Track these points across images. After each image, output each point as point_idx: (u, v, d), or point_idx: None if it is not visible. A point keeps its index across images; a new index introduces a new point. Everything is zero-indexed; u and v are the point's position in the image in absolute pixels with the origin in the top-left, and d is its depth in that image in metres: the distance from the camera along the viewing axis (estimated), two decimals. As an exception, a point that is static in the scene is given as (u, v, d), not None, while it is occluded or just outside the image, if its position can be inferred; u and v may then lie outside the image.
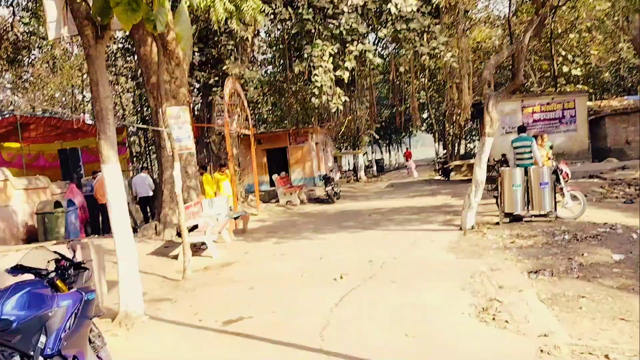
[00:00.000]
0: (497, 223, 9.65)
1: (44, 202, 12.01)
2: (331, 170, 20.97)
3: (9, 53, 20.11)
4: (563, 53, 25.46)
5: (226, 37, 15.71)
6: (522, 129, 11.21)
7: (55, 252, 4.03)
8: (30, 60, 21.16)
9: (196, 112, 21.08)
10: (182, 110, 12.59)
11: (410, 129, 53.61)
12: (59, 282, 3.89)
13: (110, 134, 5.64)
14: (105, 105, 5.61)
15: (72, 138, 19.79)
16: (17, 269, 3.86)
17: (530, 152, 10.81)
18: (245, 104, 15.63)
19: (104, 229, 13.02)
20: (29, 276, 3.95)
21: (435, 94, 35.12)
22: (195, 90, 16.61)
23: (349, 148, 48.02)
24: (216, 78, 15.60)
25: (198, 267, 8.76)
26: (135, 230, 12.49)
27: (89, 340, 4.11)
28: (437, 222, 10.83)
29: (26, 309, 3.44)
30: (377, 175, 37.65)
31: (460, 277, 6.31)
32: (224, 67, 15.18)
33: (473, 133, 40.81)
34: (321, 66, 14.59)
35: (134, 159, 26.77)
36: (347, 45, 15.15)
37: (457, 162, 28.00)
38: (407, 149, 51.31)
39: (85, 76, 28.37)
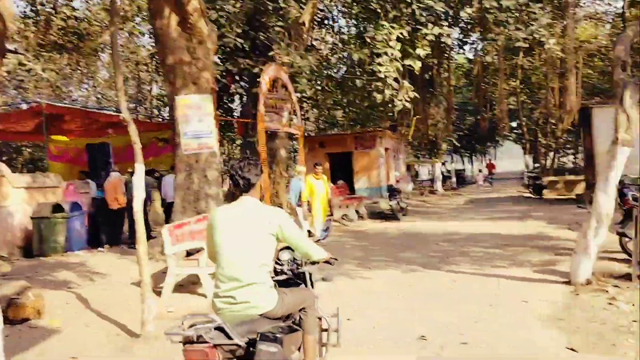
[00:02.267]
0: (628, 277, 6.35)
1: (42, 205, 10.14)
2: (398, 181, 18.00)
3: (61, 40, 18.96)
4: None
5: (277, 18, 13.31)
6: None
7: None
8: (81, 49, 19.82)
9: (231, 106, 18.94)
10: (204, 99, 10.24)
11: (497, 138, 49.08)
12: None
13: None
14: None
15: (121, 133, 18.36)
16: None
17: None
18: (294, 97, 13.10)
19: (110, 239, 10.94)
20: None
21: (527, 100, 30.86)
22: (236, 80, 14.33)
23: (426, 156, 44.56)
24: (262, 67, 13.21)
25: (181, 311, 6.27)
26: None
27: None
28: (530, 265, 7.63)
29: None
30: (457, 188, 33.91)
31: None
32: (271, 53, 12.75)
33: (567, 145, 35.52)
34: (386, 53, 11.74)
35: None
36: (420, 28, 12.21)
37: (552, 178, 23.91)
38: (489, 160, 47.04)
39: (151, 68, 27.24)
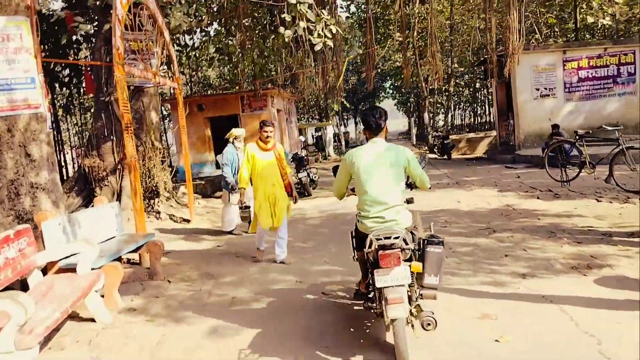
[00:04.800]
0: None
1: None
2: (304, 147, 14.95)
3: None
4: (590, -2, 19.99)
5: None
6: None
7: None
8: None
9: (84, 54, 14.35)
10: (14, 24, 6.14)
11: (380, 98, 48.19)
12: None
13: None
14: None
15: None
16: None
17: None
18: (167, 36, 9.27)
19: None
20: None
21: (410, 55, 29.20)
22: (78, 13, 9.97)
23: (310, 120, 42.03)
24: (117, -9, 9.05)
25: None
26: None
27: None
28: (566, 266, 5.04)
29: None
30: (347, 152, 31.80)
31: None
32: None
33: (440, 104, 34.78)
34: (297, -30, 8.41)
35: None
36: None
37: (455, 137, 22.57)
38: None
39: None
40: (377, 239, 3.30)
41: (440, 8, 25.03)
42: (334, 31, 8.86)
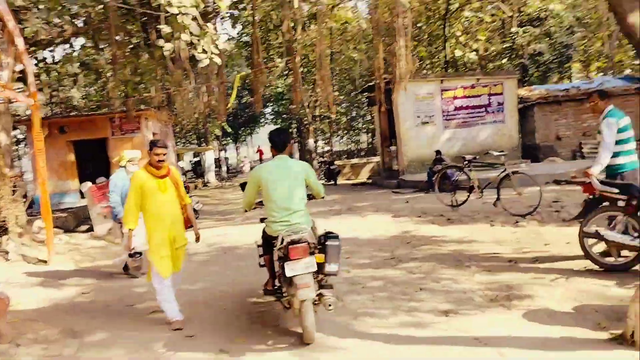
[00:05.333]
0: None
1: None
2: (183, 174, 13.72)
3: None
4: (458, 34, 21.49)
5: None
6: (603, 94, 5.88)
7: None
8: None
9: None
10: None
11: (259, 124, 47.78)
12: None
13: None
14: None
15: None
16: None
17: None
18: (20, 45, 7.82)
19: None
20: None
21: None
22: None
23: (187, 144, 40.31)
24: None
25: None
26: None
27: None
28: (485, 298, 4.73)
29: None
30: (229, 178, 30.70)
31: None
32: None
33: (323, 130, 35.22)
34: (180, -23, 7.56)
35: None
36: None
37: (340, 162, 22.68)
38: (259, 146, 45.65)
39: None
40: (288, 236, 3.92)
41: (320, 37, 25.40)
42: (221, 47, 8.08)
